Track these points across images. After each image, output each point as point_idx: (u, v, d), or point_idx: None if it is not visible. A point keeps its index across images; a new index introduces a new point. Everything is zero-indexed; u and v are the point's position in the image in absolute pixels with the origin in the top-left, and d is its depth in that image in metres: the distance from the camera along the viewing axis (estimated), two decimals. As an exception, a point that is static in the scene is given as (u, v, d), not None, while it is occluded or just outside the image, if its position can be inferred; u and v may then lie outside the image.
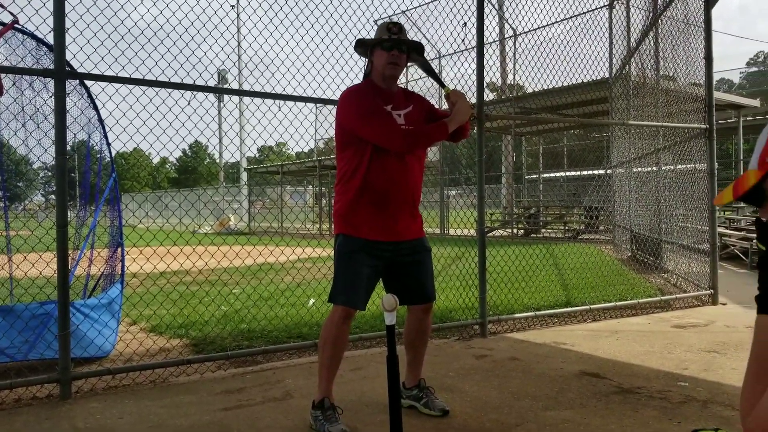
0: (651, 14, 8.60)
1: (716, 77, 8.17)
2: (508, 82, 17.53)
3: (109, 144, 4.75)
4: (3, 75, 3.69)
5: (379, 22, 3.38)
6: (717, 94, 9.68)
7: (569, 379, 4.01)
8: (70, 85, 4.13)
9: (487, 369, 4.30)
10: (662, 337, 5.24)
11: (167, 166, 74.63)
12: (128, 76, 4.02)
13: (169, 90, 4.23)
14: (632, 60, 10.17)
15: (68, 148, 3.80)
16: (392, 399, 2.56)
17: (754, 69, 72.02)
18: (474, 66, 5.55)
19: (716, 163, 7.00)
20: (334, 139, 3.31)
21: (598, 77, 9.52)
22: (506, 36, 16.87)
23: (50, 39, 3.81)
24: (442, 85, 3.42)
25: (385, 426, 2.72)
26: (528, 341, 5.18)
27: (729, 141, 30.15)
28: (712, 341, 5.06)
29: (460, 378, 4.08)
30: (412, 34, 3.41)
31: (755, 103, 20.77)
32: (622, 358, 4.55)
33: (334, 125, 3.29)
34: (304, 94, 4.81)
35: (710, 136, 6.85)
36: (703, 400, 3.54)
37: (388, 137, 3.06)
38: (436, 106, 3.59)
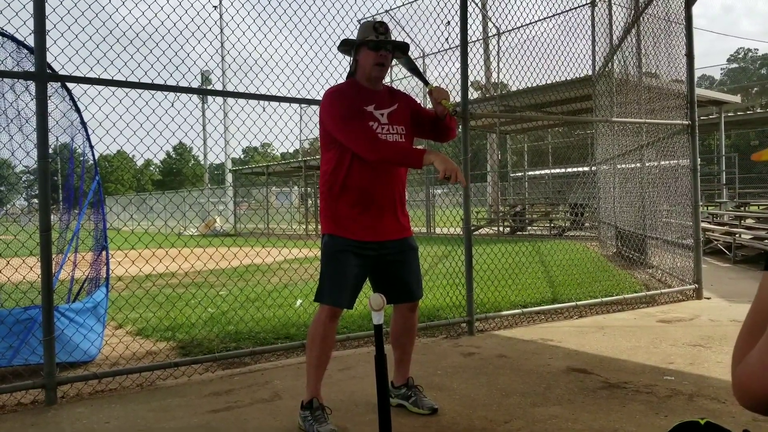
0: (633, 12, 8.66)
1: (697, 74, 8.26)
2: (493, 80, 17.59)
3: (92, 147, 4.71)
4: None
5: (362, 22, 3.38)
6: (698, 91, 9.78)
7: (557, 376, 4.03)
8: (52, 87, 4.09)
9: (475, 367, 4.32)
10: (648, 332, 5.28)
11: (151, 169, 74.13)
12: (110, 78, 3.98)
13: (153, 92, 4.20)
14: (615, 57, 10.24)
15: (51, 151, 3.76)
16: (381, 398, 2.55)
17: (735, 65, 72.89)
18: (458, 65, 5.57)
19: (699, 159, 7.07)
20: (319, 138, 3.31)
21: (582, 75, 9.57)
22: (490, 34, 16.92)
23: (31, 41, 3.77)
24: (425, 82, 3.41)
25: (374, 425, 2.72)
26: (515, 338, 5.20)
27: (711, 137, 30.52)
28: (697, 335, 5.11)
29: (448, 376, 4.09)
30: (395, 34, 3.40)
31: (736, 99, 21.04)
32: (609, 354, 4.58)
33: (318, 125, 3.28)
34: (289, 95, 4.80)
35: (692, 132, 6.92)
36: (689, 394, 3.58)
37: (358, 144, 3.03)
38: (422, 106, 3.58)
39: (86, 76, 3.91)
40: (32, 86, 3.78)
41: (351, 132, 3.05)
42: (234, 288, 7.63)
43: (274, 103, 4.86)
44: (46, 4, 3.68)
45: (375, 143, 3.02)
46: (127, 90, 4.09)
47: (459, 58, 5.53)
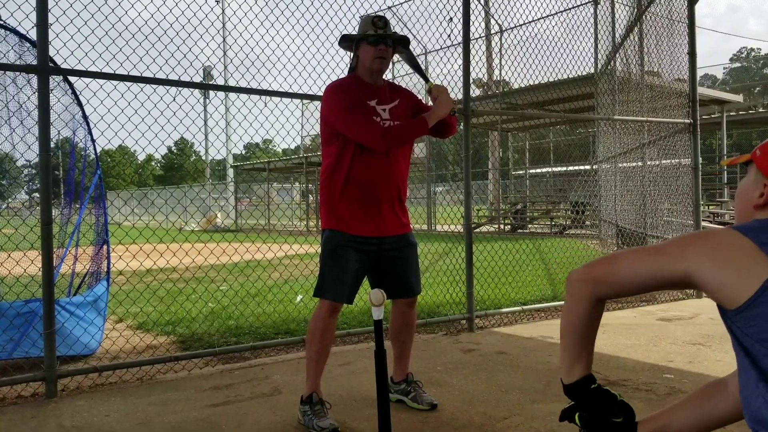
0: (635, 10, 8.64)
1: (700, 73, 8.27)
2: (495, 78, 17.56)
3: (93, 141, 4.71)
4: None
5: (362, 17, 3.37)
6: (701, 90, 9.77)
7: (556, 372, 4.02)
8: (54, 81, 4.09)
9: (474, 363, 4.32)
10: (648, 330, 5.29)
11: (153, 164, 74.11)
12: (112, 72, 3.98)
13: (154, 86, 4.20)
14: (617, 56, 10.22)
15: (52, 145, 3.77)
16: (380, 393, 2.56)
17: (737, 65, 72.72)
18: (460, 62, 5.57)
19: (700, 158, 7.07)
20: (320, 133, 3.31)
21: (584, 73, 9.55)
22: (492, 32, 16.88)
23: (33, 35, 3.77)
24: (426, 80, 3.41)
25: (373, 420, 2.73)
26: (515, 335, 5.21)
27: (713, 136, 30.49)
28: (696, 334, 5.11)
29: (448, 372, 4.09)
30: (398, 30, 3.40)
31: (738, 98, 21.01)
32: (609, 351, 4.58)
33: (319, 121, 3.28)
34: (290, 90, 4.80)
35: (694, 131, 6.92)
36: (688, 392, 3.57)
37: (367, 136, 3.05)
38: (423, 102, 3.58)
39: (88, 69, 3.91)
40: (34, 80, 3.78)
41: (356, 124, 3.06)
42: (234, 283, 7.64)
43: (276, 99, 4.86)
44: (49, -3, 3.68)
45: (381, 132, 3.05)
46: (129, 84, 4.09)
47: (461, 55, 5.53)
